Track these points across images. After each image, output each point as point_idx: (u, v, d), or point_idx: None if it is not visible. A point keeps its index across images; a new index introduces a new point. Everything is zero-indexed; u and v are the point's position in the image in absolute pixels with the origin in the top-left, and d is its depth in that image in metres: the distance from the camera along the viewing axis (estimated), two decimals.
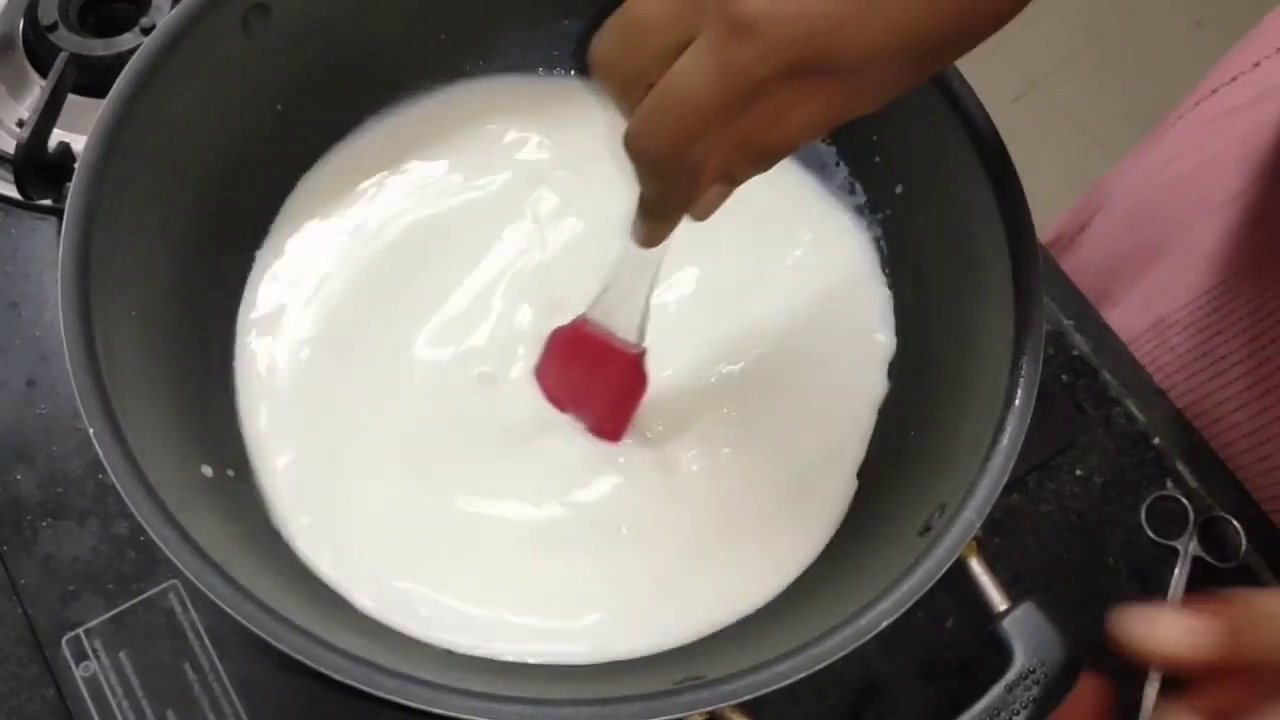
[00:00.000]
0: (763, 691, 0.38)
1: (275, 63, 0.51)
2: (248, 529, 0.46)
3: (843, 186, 0.56)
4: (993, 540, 0.55)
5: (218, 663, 0.50)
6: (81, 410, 0.40)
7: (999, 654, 0.43)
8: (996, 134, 0.48)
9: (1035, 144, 0.77)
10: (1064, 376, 0.59)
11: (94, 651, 0.50)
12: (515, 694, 0.38)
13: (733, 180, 0.39)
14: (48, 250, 0.58)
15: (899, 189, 0.54)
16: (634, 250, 0.43)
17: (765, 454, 0.51)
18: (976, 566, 0.42)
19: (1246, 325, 0.58)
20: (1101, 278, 0.70)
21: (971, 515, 0.41)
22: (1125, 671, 0.46)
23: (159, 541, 0.39)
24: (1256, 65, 0.65)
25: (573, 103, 0.58)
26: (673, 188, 0.38)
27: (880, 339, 0.54)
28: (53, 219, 0.59)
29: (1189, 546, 0.55)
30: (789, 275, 0.55)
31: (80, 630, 0.50)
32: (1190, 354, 0.61)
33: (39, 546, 0.52)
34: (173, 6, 0.50)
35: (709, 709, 0.38)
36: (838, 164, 0.56)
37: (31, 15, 0.60)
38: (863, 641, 0.39)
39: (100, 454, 0.39)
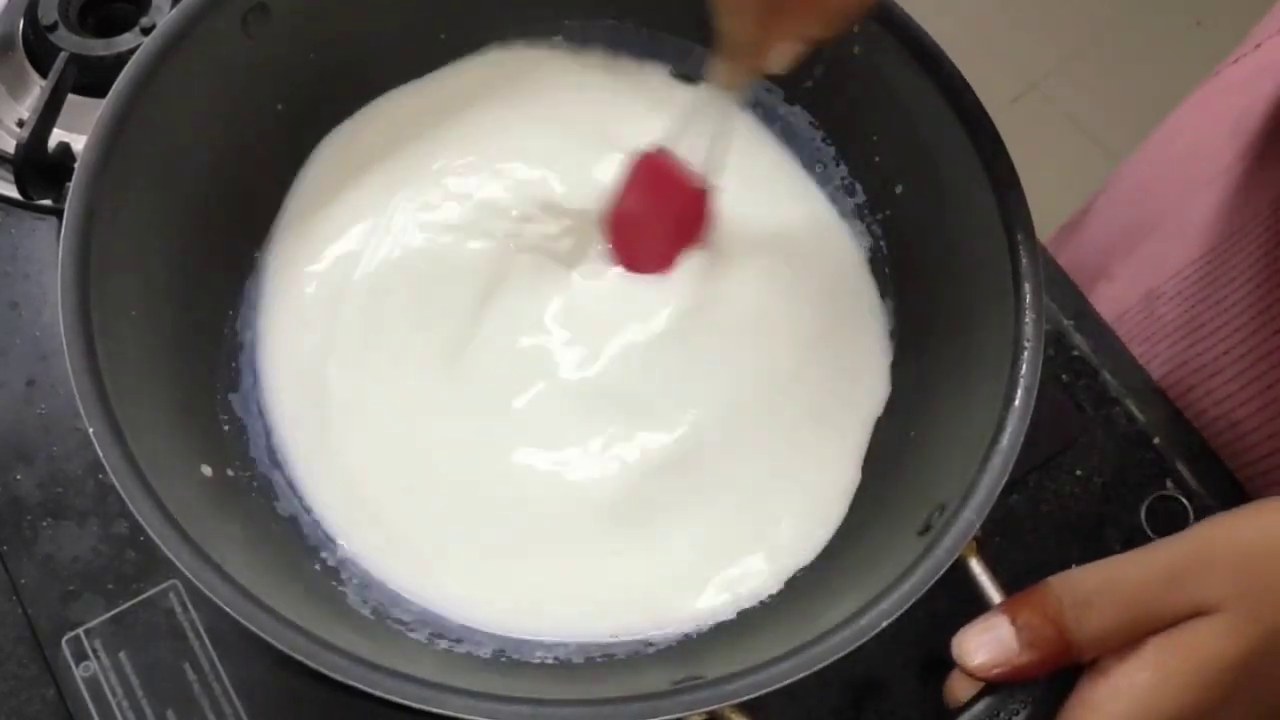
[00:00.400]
0: (763, 691, 0.38)
1: (275, 63, 0.51)
2: (247, 528, 0.46)
3: (842, 187, 0.56)
4: (993, 540, 0.54)
5: (218, 663, 0.50)
6: (81, 410, 0.40)
7: None
8: (996, 134, 0.48)
9: (1035, 144, 0.77)
10: (1064, 376, 0.59)
11: (94, 651, 0.50)
12: (515, 694, 0.38)
13: (803, 39, 0.44)
14: (48, 250, 0.58)
15: (899, 189, 0.54)
16: (709, 97, 0.47)
17: (765, 453, 0.51)
18: (976, 566, 0.42)
19: (1234, 295, 0.58)
20: (1102, 255, 0.70)
21: (971, 515, 0.41)
22: None
23: (159, 541, 0.39)
24: (1258, 46, 0.65)
25: None
26: (748, 26, 0.43)
27: (880, 339, 0.54)
28: (53, 219, 0.59)
29: None
30: (788, 275, 0.55)
31: (80, 630, 0.50)
32: (1174, 323, 0.61)
33: (39, 546, 0.52)
34: (173, 6, 0.50)
35: (709, 709, 0.38)
36: (838, 164, 0.56)
37: (31, 15, 0.60)
38: (863, 641, 0.39)
39: (100, 454, 0.39)
